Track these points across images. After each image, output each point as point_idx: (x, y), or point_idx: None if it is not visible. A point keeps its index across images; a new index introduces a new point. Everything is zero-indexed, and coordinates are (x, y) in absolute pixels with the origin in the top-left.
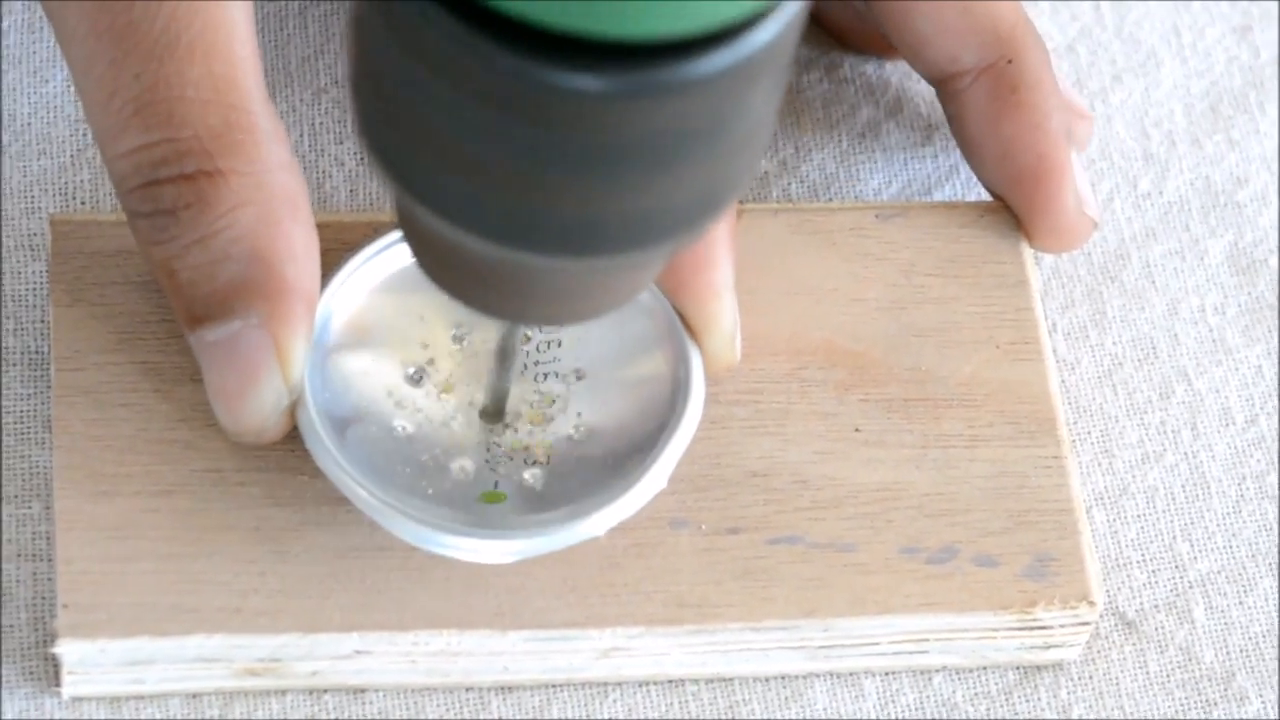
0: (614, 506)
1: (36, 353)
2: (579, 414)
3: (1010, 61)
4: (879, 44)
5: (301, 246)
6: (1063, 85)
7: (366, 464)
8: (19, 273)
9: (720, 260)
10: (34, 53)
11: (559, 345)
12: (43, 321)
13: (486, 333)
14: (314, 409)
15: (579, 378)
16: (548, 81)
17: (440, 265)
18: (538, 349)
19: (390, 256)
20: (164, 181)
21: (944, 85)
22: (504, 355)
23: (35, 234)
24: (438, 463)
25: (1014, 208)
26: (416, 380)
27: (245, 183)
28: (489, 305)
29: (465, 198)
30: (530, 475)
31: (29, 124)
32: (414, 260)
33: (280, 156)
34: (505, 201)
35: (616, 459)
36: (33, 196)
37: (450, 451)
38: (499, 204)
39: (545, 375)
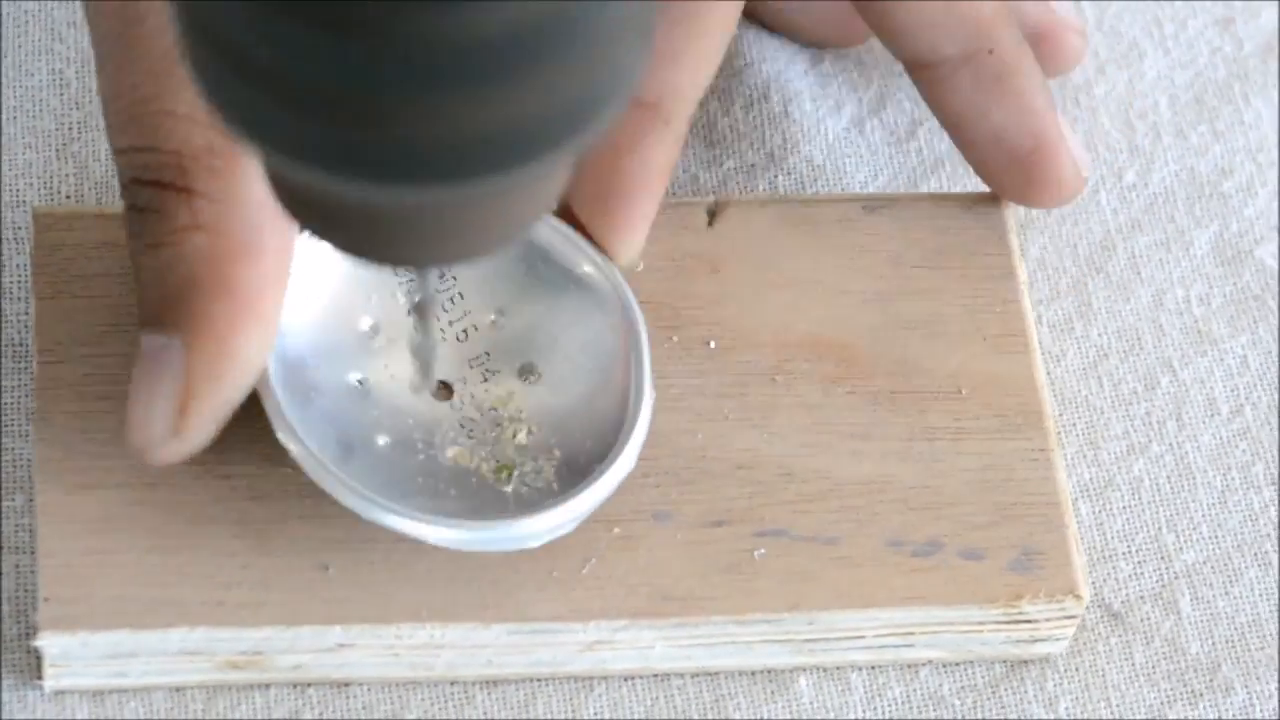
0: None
1: (21, 345)
2: (531, 422)
3: (991, 51)
4: (833, 35)
5: (251, 290)
6: (1059, 5)
7: (333, 442)
8: (4, 266)
9: (642, 194)
10: (19, 46)
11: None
12: (28, 314)
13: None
14: (276, 382)
15: (531, 373)
16: None
17: (324, 221)
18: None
19: None
20: (144, 182)
21: (923, 72)
22: (422, 309)
23: (20, 227)
24: (406, 438)
25: (1010, 184)
26: (370, 340)
27: (206, 208)
28: (383, 253)
29: (313, 135)
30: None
31: (14, 117)
32: (302, 230)
33: (258, 192)
34: (347, 131)
35: (578, 446)
36: (18, 190)
37: (423, 427)
38: (339, 136)
39: (493, 373)
